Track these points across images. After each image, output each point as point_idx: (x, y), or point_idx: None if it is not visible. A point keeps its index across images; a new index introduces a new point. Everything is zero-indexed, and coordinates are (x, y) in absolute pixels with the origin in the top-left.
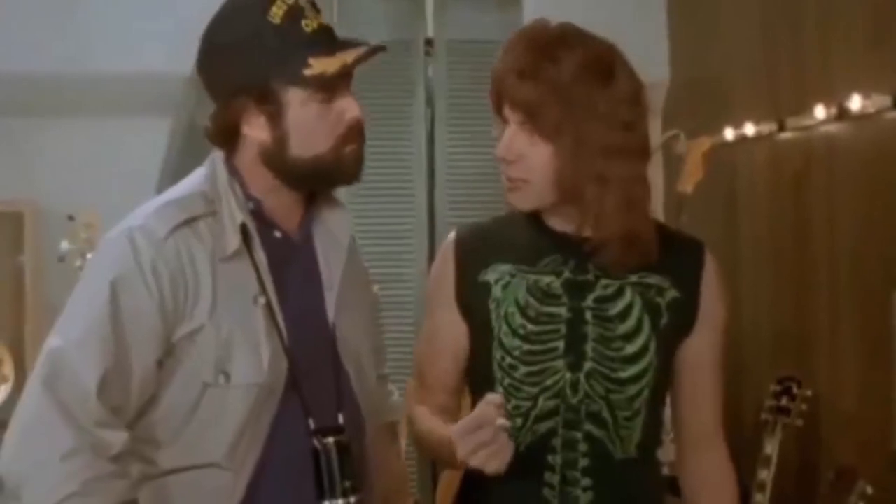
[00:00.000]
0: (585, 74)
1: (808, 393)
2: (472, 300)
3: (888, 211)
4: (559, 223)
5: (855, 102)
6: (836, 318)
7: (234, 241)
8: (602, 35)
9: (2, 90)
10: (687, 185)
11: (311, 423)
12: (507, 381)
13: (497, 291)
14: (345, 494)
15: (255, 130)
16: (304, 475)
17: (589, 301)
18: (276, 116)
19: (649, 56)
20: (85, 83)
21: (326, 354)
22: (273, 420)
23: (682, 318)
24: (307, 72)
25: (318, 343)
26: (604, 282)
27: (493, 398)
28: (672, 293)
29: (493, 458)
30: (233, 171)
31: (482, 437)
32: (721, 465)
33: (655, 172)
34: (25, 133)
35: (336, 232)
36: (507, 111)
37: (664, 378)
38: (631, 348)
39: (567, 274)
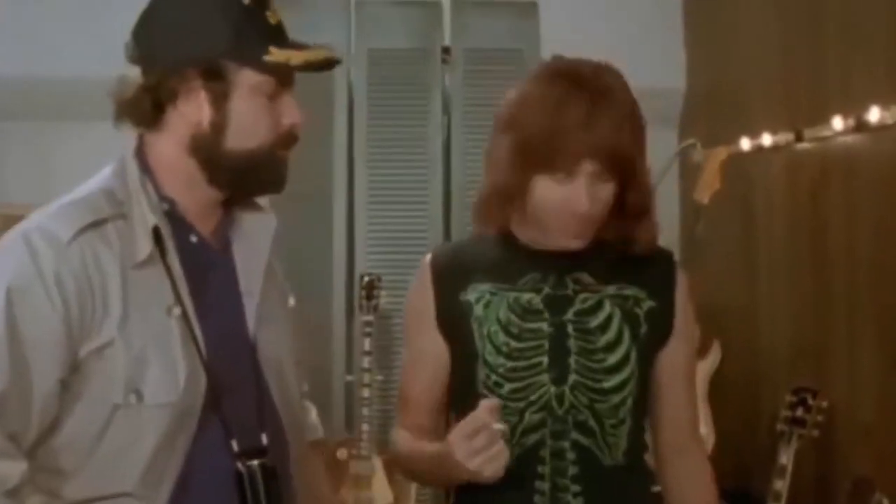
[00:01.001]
0: (637, 107)
1: (824, 404)
2: (452, 321)
3: None
4: (533, 240)
5: (873, 114)
6: (853, 329)
7: (145, 247)
8: (619, 44)
9: (23, 93)
10: (703, 195)
11: (234, 445)
12: (491, 398)
13: (479, 310)
14: None
15: (193, 109)
16: (227, 502)
17: (569, 315)
18: (221, 97)
19: (666, 65)
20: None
21: (248, 369)
22: (191, 443)
23: (660, 327)
24: (267, 57)
25: (239, 357)
26: (582, 296)
27: (489, 403)
28: (648, 303)
29: (490, 463)
30: (145, 168)
31: (479, 441)
32: (700, 468)
33: (671, 182)
34: (41, 136)
35: (256, 238)
36: (585, 163)
37: (645, 386)
38: (613, 358)
39: (547, 290)
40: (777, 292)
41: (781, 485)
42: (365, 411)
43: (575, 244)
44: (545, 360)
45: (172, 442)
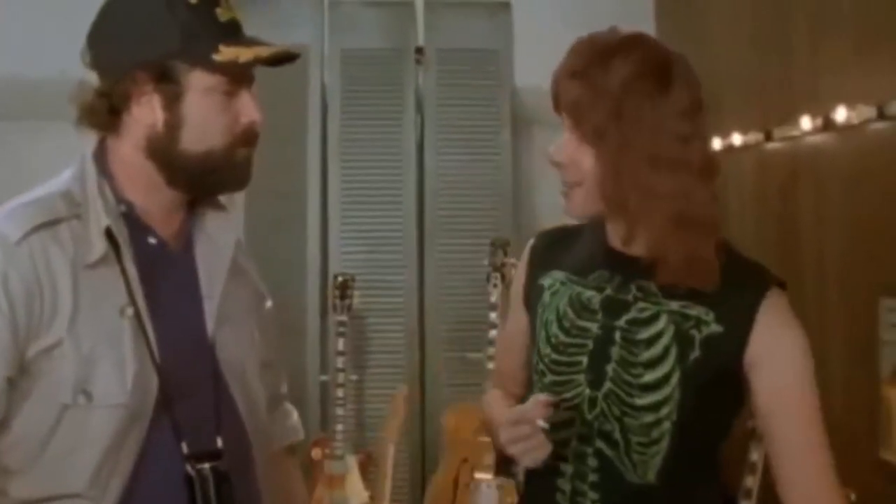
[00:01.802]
0: (637, 82)
1: None
2: (531, 301)
3: (873, 220)
4: (613, 238)
5: (840, 114)
6: (822, 326)
7: (98, 247)
8: None
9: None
10: None
11: (184, 447)
12: (538, 385)
13: (546, 297)
14: None
15: (147, 113)
16: (177, 480)
17: (622, 321)
18: (173, 99)
19: None
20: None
21: (205, 371)
22: (141, 444)
23: (721, 356)
24: (216, 57)
25: (196, 359)
26: (641, 304)
27: (540, 398)
28: (713, 328)
29: (528, 454)
30: (104, 171)
31: (522, 431)
32: None
33: None
34: (12, 135)
35: (218, 239)
36: (562, 113)
37: (699, 415)
38: (650, 377)
39: (608, 291)
40: None
41: (752, 481)
42: (339, 411)
43: (567, 208)
44: (585, 360)
45: (122, 443)
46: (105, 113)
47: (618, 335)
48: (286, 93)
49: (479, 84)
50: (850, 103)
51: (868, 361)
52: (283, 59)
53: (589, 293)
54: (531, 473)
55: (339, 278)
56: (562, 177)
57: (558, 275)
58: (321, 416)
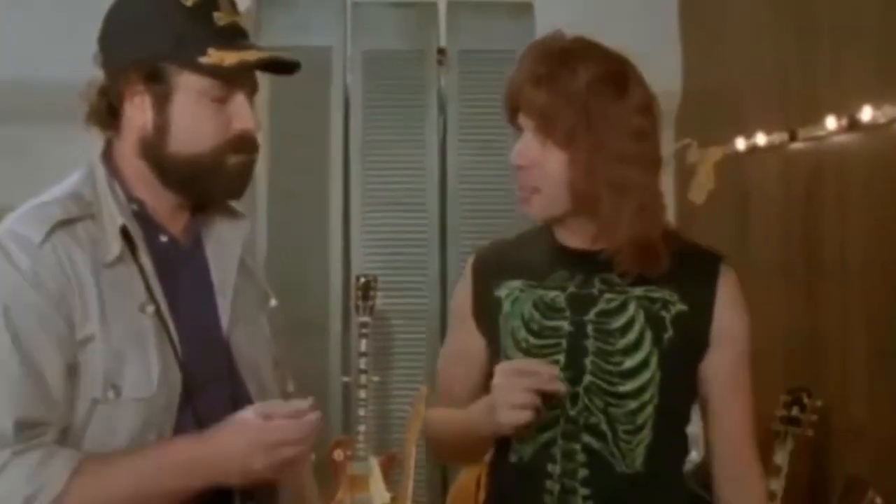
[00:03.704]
0: (600, 85)
1: (819, 403)
2: (485, 315)
3: None
4: (569, 238)
5: (866, 113)
6: (846, 329)
7: (115, 246)
8: (614, 45)
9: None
10: (699, 195)
11: None
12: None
13: (506, 306)
14: None
15: (138, 113)
16: (199, 499)
17: (591, 315)
18: (162, 100)
19: (661, 66)
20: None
21: (222, 367)
22: (168, 438)
23: (691, 333)
24: (203, 59)
25: (213, 355)
26: (607, 296)
27: (552, 368)
28: (679, 307)
29: (513, 411)
30: (113, 171)
31: (522, 382)
32: (753, 493)
33: (667, 182)
34: (25, 139)
35: (228, 240)
36: (522, 119)
37: (676, 395)
38: (630, 362)
39: (572, 288)
40: (771, 291)
41: (777, 484)
42: (361, 412)
43: (526, 210)
44: (562, 358)
45: (148, 437)
46: (105, 112)
47: (590, 328)
48: (309, 95)
49: (501, 85)
50: (876, 102)
51: (892, 364)
52: (281, 65)
53: (552, 293)
54: (517, 474)
55: (362, 279)
56: (521, 181)
57: (514, 283)
58: (343, 418)
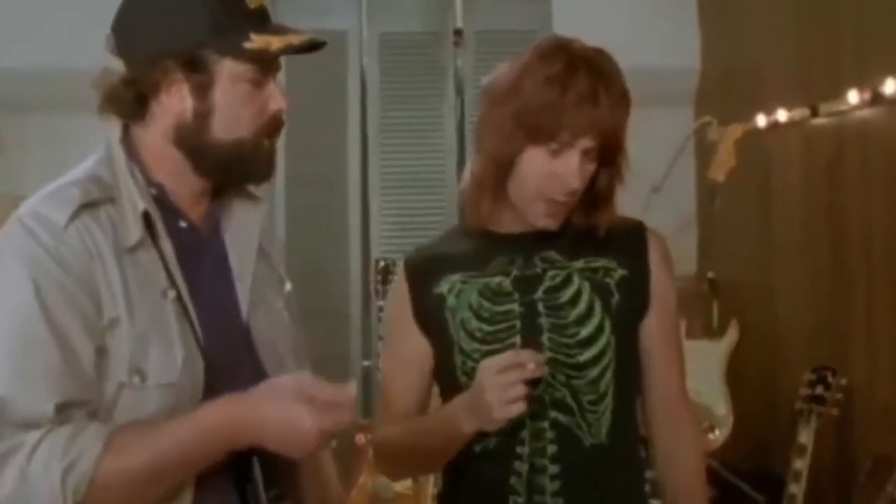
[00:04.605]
0: (627, 99)
1: (843, 382)
2: (428, 315)
3: None
4: (501, 226)
5: (889, 87)
6: (871, 306)
7: (136, 231)
8: (632, 24)
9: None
10: (719, 173)
11: None
12: (471, 384)
13: (451, 300)
14: None
15: (176, 102)
16: (225, 485)
17: (539, 293)
18: (203, 88)
19: (680, 43)
20: None
21: (243, 352)
22: None
23: (635, 296)
24: (248, 45)
25: (234, 340)
26: (551, 273)
27: (535, 355)
28: (620, 272)
29: (509, 404)
30: (132, 154)
31: (508, 378)
32: (689, 437)
33: (687, 160)
34: (59, 128)
35: (246, 225)
36: (584, 140)
37: (629, 358)
38: (585, 331)
39: (515, 272)
40: (794, 270)
41: (801, 464)
42: None
43: (547, 223)
44: (518, 339)
45: None
46: (131, 101)
47: (541, 306)
48: (325, 78)
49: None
50: None
51: None
52: (312, 46)
53: (497, 279)
54: (482, 461)
55: (381, 263)
56: (570, 200)
57: (454, 277)
58: (364, 402)
